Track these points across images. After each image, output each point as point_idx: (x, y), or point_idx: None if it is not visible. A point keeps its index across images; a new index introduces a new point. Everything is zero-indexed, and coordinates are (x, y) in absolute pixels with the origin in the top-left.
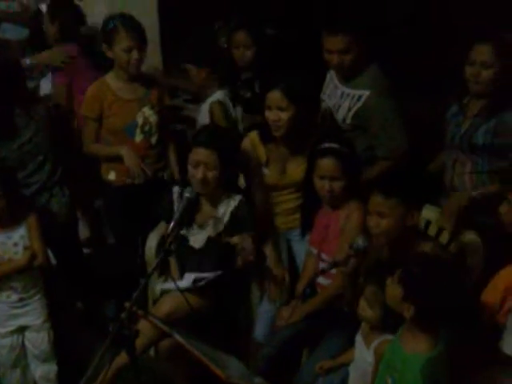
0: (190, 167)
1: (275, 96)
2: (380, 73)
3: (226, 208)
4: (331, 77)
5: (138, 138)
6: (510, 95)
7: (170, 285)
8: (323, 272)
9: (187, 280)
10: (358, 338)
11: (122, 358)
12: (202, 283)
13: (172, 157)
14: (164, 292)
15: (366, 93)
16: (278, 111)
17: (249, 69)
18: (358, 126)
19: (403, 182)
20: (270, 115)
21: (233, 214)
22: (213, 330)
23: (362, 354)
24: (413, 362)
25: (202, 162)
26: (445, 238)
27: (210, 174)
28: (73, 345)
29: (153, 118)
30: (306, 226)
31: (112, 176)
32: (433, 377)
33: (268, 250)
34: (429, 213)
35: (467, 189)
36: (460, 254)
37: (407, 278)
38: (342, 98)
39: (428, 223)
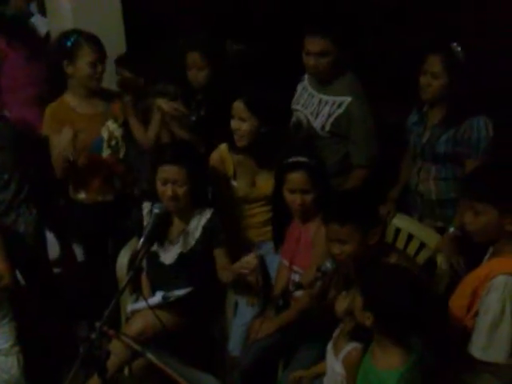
0: (158, 184)
1: (238, 106)
2: (357, 80)
3: (198, 222)
4: (304, 86)
5: (106, 152)
6: (468, 105)
7: (139, 304)
8: (289, 293)
9: (157, 297)
10: (329, 348)
11: (95, 381)
12: (172, 299)
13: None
14: (135, 311)
15: (348, 99)
16: (239, 121)
17: (202, 91)
18: (337, 134)
19: (355, 206)
20: (232, 124)
21: (205, 228)
22: (188, 347)
23: (332, 365)
24: (387, 379)
25: (170, 179)
26: (413, 248)
27: (180, 191)
28: (44, 368)
29: (118, 132)
30: (278, 240)
31: (82, 195)
32: None
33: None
34: (399, 221)
35: (432, 195)
36: (428, 264)
37: (364, 286)
38: (320, 105)
39: (397, 231)
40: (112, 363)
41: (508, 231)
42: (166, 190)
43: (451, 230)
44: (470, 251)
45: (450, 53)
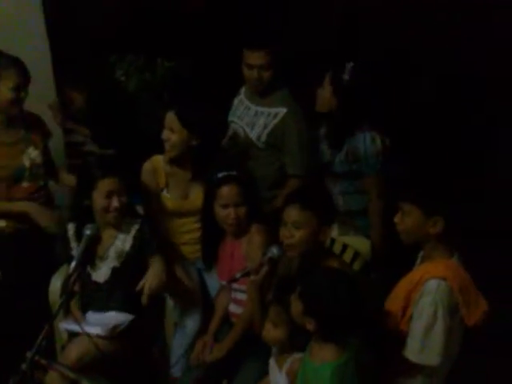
0: (100, 200)
1: (169, 117)
2: (291, 95)
3: (127, 233)
4: (240, 100)
5: (26, 182)
6: (351, 126)
7: (72, 327)
8: (235, 280)
9: (94, 327)
10: (271, 363)
11: None
12: (113, 331)
13: (66, 179)
14: (71, 334)
15: (283, 110)
16: (169, 132)
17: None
18: (272, 144)
19: (319, 197)
20: (163, 135)
21: (136, 238)
22: (128, 370)
23: (276, 379)
24: (321, 373)
25: (114, 190)
26: (349, 256)
27: (123, 200)
28: None
29: (39, 159)
30: (209, 259)
31: (2, 223)
32: (343, 382)
33: (176, 268)
34: (334, 232)
35: (340, 207)
36: (363, 271)
37: (304, 292)
38: (256, 117)
39: (332, 241)
40: None
41: (433, 234)
42: (112, 202)
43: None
44: (403, 255)
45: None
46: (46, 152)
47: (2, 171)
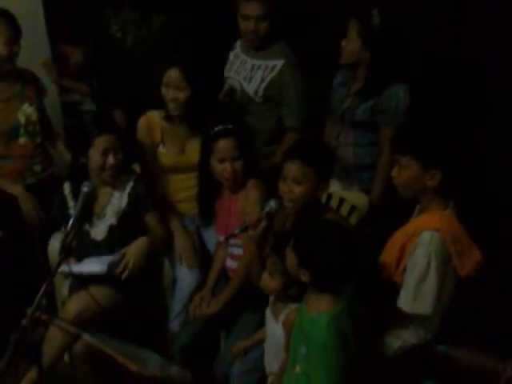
0: (96, 158)
1: (174, 75)
2: (288, 47)
3: (123, 191)
4: (236, 54)
5: (23, 139)
6: (387, 74)
7: (75, 267)
8: (234, 235)
9: (98, 265)
10: (268, 313)
11: (33, 372)
12: (119, 269)
13: (63, 152)
14: (71, 291)
15: (280, 62)
16: (176, 90)
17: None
18: (270, 98)
19: (319, 152)
20: (169, 94)
21: (131, 195)
22: (127, 325)
23: (272, 329)
24: (318, 322)
25: (110, 148)
26: (345, 210)
27: (119, 158)
28: None
29: (35, 116)
30: (206, 215)
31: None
32: (338, 331)
33: (173, 225)
34: (331, 186)
35: (350, 159)
36: (360, 224)
37: (298, 244)
38: (253, 71)
39: (329, 196)
40: (51, 350)
41: (430, 187)
42: (108, 159)
43: (373, 199)
44: (400, 210)
45: (366, 18)
46: (41, 109)
47: (0, 130)
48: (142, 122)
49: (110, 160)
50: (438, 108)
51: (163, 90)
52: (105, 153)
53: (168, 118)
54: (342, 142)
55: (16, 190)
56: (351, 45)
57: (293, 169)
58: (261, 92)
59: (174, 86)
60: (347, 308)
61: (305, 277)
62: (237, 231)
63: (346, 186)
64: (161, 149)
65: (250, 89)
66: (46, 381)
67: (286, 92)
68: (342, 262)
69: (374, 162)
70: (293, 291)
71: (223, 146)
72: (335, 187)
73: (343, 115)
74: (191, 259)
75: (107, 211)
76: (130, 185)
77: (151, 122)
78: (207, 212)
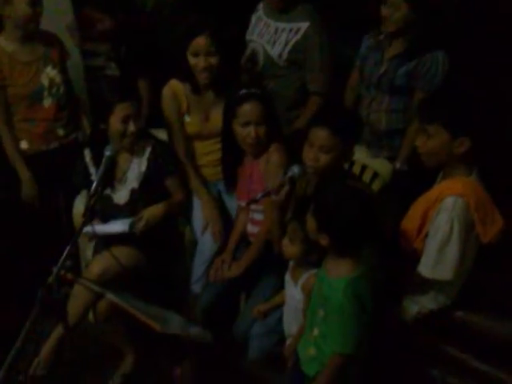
0: (116, 125)
1: (203, 42)
2: (313, 8)
3: (142, 156)
4: (259, 16)
5: (47, 102)
6: (429, 38)
7: (102, 228)
8: (256, 201)
9: (120, 225)
10: (287, 277)
11: (59, 330)
12: (140, 226)
13: (82, 118)
14: (95, 253)
15: (305, 25)
16: (207, 57)
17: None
18: (294, 62)
19: (348, 120)
20: (200, 62)
21: (150, 160)
22: (150, 287)
23: (292, 293)
24: (337, 286)
25: (131, 115)
26: (367, 177)
27: (139, 125)
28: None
29: (59, 78)
30: (230, 180)
31: (24, 145)
32: (356, 296)
33: (200, 193)
34: (359, 153)
35: (382, 125)
36: (382, 192)
37: (317, 208)
38: (276, 34)
39: (352, 163)
40: (76, 309)
41: (457, 154)
42: (129, 127)
43: (397, 165)
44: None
45: None
46: (64, 72)
47: (20, 90)
48: (167, 92)
49: (131, 127)
50: (466, 75)
51: (193, 61)
52: (125, 120)
53: (195, 89)
54: (375, 109)
55: (24, 174)
56: (399, 11)
57: (321, 137)
58: (285, 56)
59: (204, 52)
60: (366, 273)
61: (324, 241)
62: (259, 196)
63: (374, 153)
64: (186, 118)
65: (274, 52)
66: (72, 338)
67: (311, 56)
68: (361, 226)
69: (405, 128)
70: (312, 258)
71: (247, 110)
72: (363, 154)
73: (380, 80)
74: (218, 233)
75: (128, 176)
76: (149, 149)
77: (175, 91)
78: (230, 177)
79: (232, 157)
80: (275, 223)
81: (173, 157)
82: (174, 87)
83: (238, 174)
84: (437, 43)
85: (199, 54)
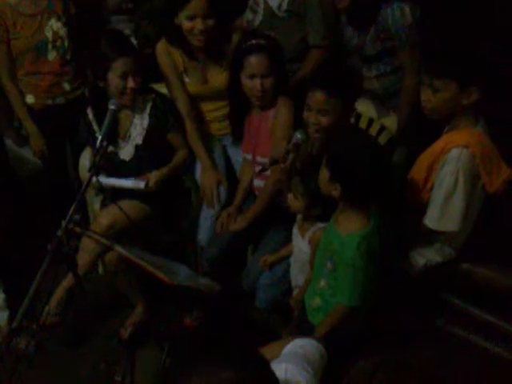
0: (115, 81)
1: (200, 4)
2: None
3: (143, 112)
4: None
5: (51, 55)
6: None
7: (113, 180)
8: (265, 170)
9: (132, 181)
10: (294, 230)
11: (69, 278)
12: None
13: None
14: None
15: None
16: (205, 20)
17: None
18: (294, 13)
19: (345, 78)
20: (197, 24)
21: (150, 115)
22: (158, 240)
23: (299, 245)
24: (349, 242)
25: (129, 71)
26: (374, 130)
27: (138, 81)
28: (18, 271)
29: (63, 31)
30: (237, 132)
31: (30, 99)
32: (368, 251)
33: (200, 156)
34: (360, 106)
35: (379, 90)
36: (388, 145)
37: (330, 157)
38: None
39: (358, 117)
40: (85, 260)
41: (464, 105)
42: (128, 82)
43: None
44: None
45: None
46: (70, 25)
47: (24, 42)
48: (161, 48)
49: (130, 83)
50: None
51: (188, 24)
52: (124, 76)
53: (188, 54)
54: (367, 76)
55: (31, 127)
56: None
57: (318, 100)
58: (284, 6)
59: (202, 15)
60: (377, 228)
61: (336, 191)
62: (268, 165)
63: (382, 113)
64: (185, 78)
65: (274, 3)
66: (83, 288)
67: (310, 7)
68: (373, 174)
69: (401, 86)
70: (316, 211)
71: (254, 61)
72: (372, 112)
73: (357, 53)
74: (213, 201)
75: (131, 132)
76: (150, 104)
77: (169, 49)
78: (238, 130)
79: (239, 108)
80: (284, 182)
81: (174, 111)
82: (166, 47)
83: (245, 126)
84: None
85: (197, 16)
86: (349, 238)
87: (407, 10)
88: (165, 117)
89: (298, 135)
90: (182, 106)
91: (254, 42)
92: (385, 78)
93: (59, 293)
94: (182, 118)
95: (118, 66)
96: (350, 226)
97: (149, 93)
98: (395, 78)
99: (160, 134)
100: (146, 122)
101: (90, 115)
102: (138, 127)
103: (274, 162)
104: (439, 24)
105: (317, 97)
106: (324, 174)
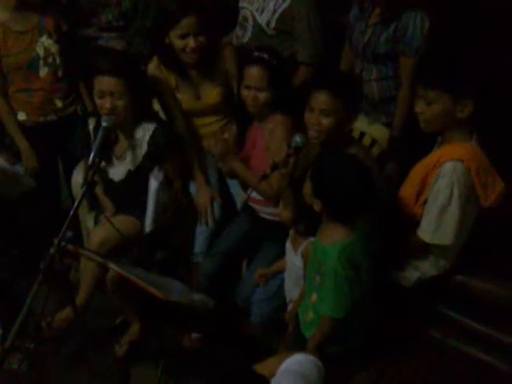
0: (96, 98)
1: (190, 22)
2: None
3: (143, 138)
4: None
5: (43, 71)
6: (404, 2)
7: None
8: (266, 176)
9: None
10: (287, 245)
11: (81, 298)
12: None
13: (83, 88)
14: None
15: None
16: (197, 37)
17: None
18: (283, 30)
19: (347, 83)
20: (189, 42)
21: (150, 144)
22: (151, 255)
23: (292, 259)
24: (331, 251)
25: (108, 91)
26: (366, 143)
27: (119, 103)
28: (12, 288)
29: (54, 48)
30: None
31: (22, 116)
32: (349, 261)
33: (195, 174)
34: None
35: (375, 94)
36: (379, 158)
37: (313, 174)
38: (265, 1)
39: (350, 131)
40: (86, 281)
41: (458, 119)
42: (104, 103)
43: (394, 132)
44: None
45: None
46: (61, 42)
47: (15, 59)
48: (152, 68)
49: (106, 104)
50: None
51: (180, 43)
52: (101, 96)
53: (180, 72)
54: (366, 78)
55: (22, 144)
56: None
57: (321, 100)
58: (273, 23)
59: (193, 32)
60: (360, 240)
61: (317, 206)
62: (268, 171)
63: (372, 120)
64: (177, 95)
65: (263, 20)
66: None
67: (299, 24)
68: (354, 198)
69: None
70: (300, 226)
71: (251, 73)
72: (363, 122)
73: (364, 50)
74: (207, 218)
75: (127, 155)
76: (149, 133)
77: (162, 68)
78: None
79: (241, 116)
80: (284, 191)
81: (171, 143)
82: (159, 64)
83: (246, 136)
84: (417, 3)
85: (188, 34)
86: (330, 248)
87: (427, 22)
88: (162, 148)
89: (297, 138)
90: (180, 123)
91: (256, 53)
92: (384, 81)
93: (68, 311)
94: (180, 137)
95: (98, 83)
96: (332, 237)
97: (152, 120)
98: (394, 84)
99: (155, 163)
100: (143, 149)
101: (91, 126)
102: (135, 152)
103: (274, 168)
104: (433, 34)
105: (320, 96)
106: (308, 188)
